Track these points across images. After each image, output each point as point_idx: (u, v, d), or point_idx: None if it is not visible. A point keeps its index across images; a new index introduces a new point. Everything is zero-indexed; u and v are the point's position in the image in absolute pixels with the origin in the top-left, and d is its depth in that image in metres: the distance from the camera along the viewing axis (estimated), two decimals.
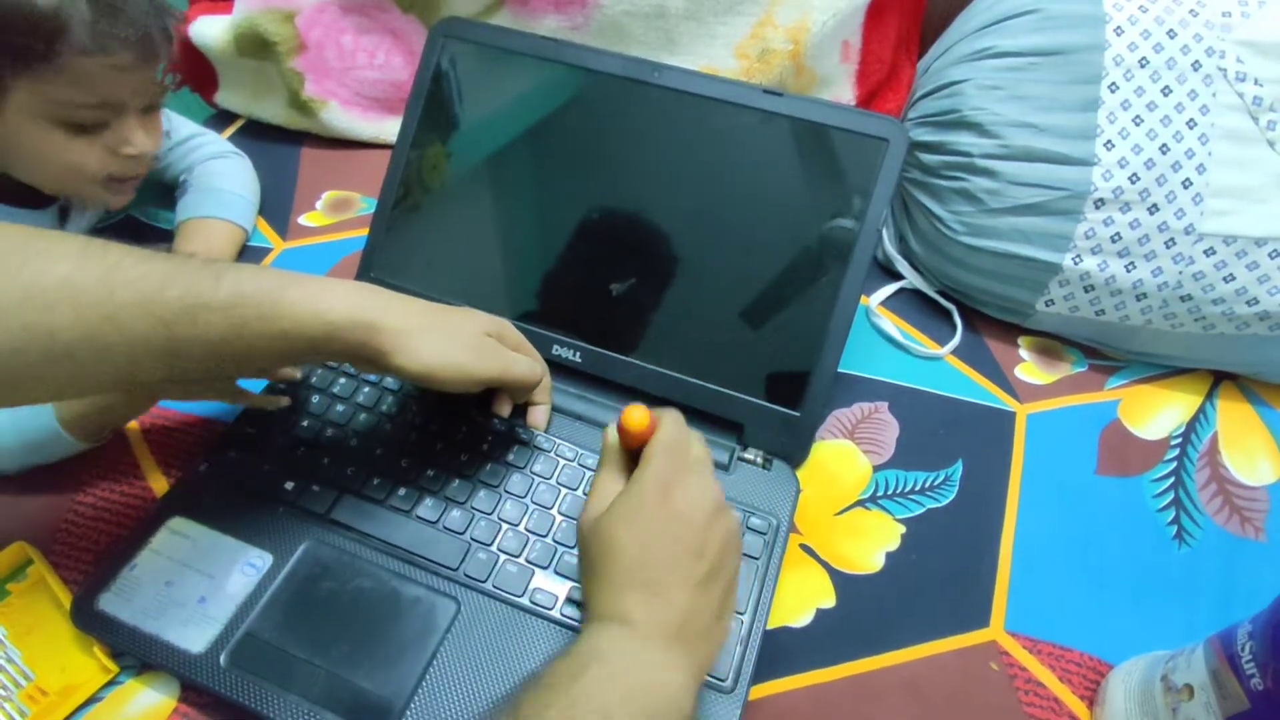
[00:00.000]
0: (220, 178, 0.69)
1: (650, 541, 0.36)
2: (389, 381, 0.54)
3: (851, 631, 0.47)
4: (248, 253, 0.69)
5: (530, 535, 0.47)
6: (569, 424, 0.53)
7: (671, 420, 0.40)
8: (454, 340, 0.43)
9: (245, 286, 0.37)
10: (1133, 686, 0.42)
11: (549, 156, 0.57)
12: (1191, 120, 0.56)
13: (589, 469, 0.50)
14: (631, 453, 0.40)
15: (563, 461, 0.50)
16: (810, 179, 0.53)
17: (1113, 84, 0.57)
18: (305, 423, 0.52)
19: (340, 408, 0.52)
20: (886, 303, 0.66)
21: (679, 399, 0.53)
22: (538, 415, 0.52)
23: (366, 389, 0.54)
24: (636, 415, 0.39)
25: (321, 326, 0.39)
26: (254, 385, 0.53)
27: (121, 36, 0.52)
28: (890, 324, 0.64)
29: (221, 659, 0.41)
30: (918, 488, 0.54)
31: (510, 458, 0.50)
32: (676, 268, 0.55)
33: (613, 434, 0.41)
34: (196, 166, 0.70)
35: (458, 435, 0.51)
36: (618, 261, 0.55)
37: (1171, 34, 0.56)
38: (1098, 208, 0.57)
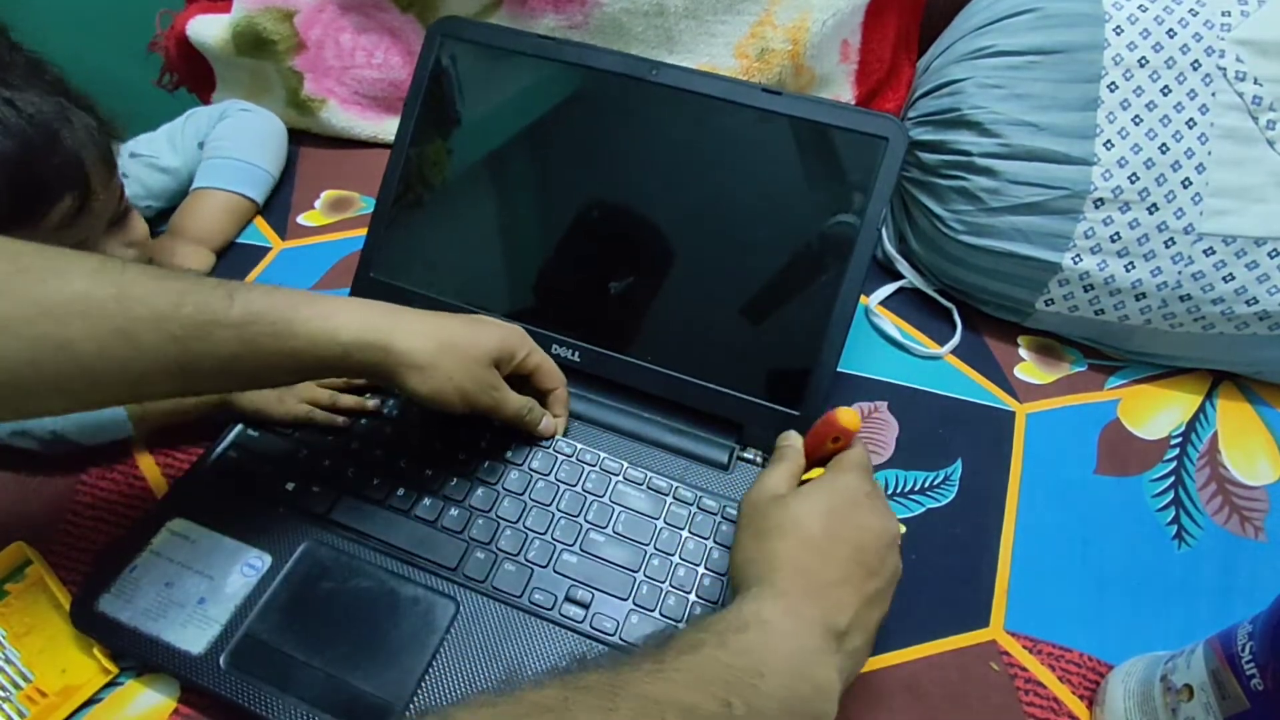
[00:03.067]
0: (222, 142, 0.70)
1: (835, 539, 0.36)
2: None
3: None
4: (246, 252, 0.69)
5: (529, 533, 0.47)
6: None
7: (863, 447, 0.42)
8: (460, 368, 0.44)
9: (257, 305, 0.37)
10: (1132, 687, 0.42)
11: (548, 155, 0.57)
12: (1191, 120, 0.56)
13: (587, 464, 0.50)
14: (809, 460, 0.43)
15: (560, 457, 0.50)
16: (810, 178, 0.53)
17: (1112, 83, 0.57)
18: None
19: None
20: (886, 302, 0.66)
21: (678, 398, 0.52)
22: (545, 425, 0.50)
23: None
24: (850, 414, 0.41)
25: (334, 347, 0.39)
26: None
27: (52, 192, 0.47)
28: (890, 323, 0.64)
29: (221, 660, 0.41)
30: (917, 487, 0.54)
31: (508, 454, 0.50)
32: (675, 266, 0.54)
33: (795, 436, 0.44)
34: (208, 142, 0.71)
35: (456, 433, 0.51)
36: (616, 260, 0.55)
37: (1171, 33, 0.56)
38: (1097, 207, 0.57)
